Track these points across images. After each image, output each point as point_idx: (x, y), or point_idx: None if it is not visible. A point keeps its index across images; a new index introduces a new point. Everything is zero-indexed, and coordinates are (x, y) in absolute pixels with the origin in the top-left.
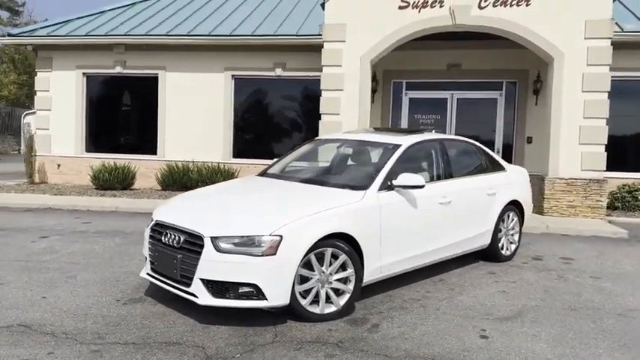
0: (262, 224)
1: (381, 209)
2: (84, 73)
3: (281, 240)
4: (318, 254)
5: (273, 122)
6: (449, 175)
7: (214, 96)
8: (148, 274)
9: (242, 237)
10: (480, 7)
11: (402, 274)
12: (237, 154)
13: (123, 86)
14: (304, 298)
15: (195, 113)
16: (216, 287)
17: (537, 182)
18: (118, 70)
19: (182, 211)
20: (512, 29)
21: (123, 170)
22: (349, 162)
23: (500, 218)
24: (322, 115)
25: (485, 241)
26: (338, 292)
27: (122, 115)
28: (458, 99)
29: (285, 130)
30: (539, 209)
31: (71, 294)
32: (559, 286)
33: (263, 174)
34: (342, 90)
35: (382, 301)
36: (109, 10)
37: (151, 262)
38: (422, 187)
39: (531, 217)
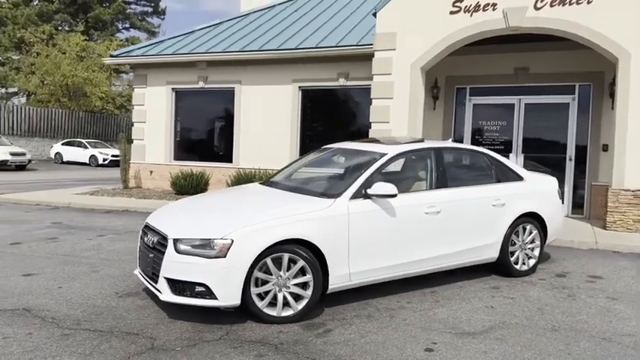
0: (216, 229)
1: (349, 217)
2: (172, 89)
3: (232, 244)
4: (276, 259)
5: (337, 130)
6: (442, 185)
7: (282, 107)
8: (138, 272)
9: (199, 240)
10: (536, 8)
11: (391, 284)
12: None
13: (205, 100)
14: (261, 300)
15: (266, 124)
16: (176, 285)
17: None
18: (200, 85)
19: (165, 215)
20: (572, 29)
21: (197, 177)
22: (338, 170)
23: (513, 231)
24: (372, 124)
25: (492, 254)
26: (296, 297)
27: (204, 127)
28: (526, 104)
29: (350, 138)
30: (602, 223)
31: (84, 286)
32: (559, 305)
33: (265, 182)
34: (391, 98)
35: (354, 309)
36: (198, 29)
37: (138, 261)
38: (394, 196)
39: (588, 231)
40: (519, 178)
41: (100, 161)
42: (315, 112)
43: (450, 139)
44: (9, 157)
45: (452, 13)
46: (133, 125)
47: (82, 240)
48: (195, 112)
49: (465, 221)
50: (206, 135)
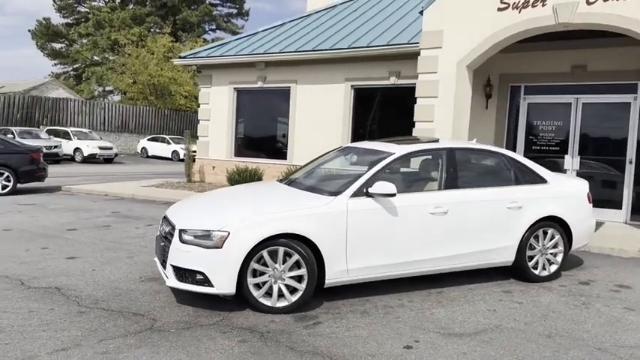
0: (215, 221)
1: (348, 215)
2: (234, 88)
3: (228, 236)
4: (272, 252)
5: (388, 129)
6: (451, 185)
7: (335, 105)
8: (156, 258)
9: (200, 230)
10: (589, 3)
11: (399, 282)
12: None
13: (263, 99)
14: (258, 290)
15: (319, 122)
16: (180, 272)
17: None
18: (259, 84)
19: (181, 206)
20: (628, 25)
21: (250, 172)
22: (350, 169)
23: (532, 235)
24: (416, 123)
25: (507, 257)
26: (292, 289)
27: (262, 125)
28: (583, 103)
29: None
30: None
31: (115, 270)
32: (567, 313)
33: (283, 179)
34: (435, 97)
35: (352, 304)
36: (262, 30)
37: (155, 248)
38: (393, 195)
39: (638, 239)
40: (542, 180)
41: (182, 156)
42: (367, 110)
43: (475, 140)
44: (97, 151)
45: (500, 9)
46: (199, 122)
47: (131, 228)
48: (254, 111)
49: (475, 223)
50: (264, 133)
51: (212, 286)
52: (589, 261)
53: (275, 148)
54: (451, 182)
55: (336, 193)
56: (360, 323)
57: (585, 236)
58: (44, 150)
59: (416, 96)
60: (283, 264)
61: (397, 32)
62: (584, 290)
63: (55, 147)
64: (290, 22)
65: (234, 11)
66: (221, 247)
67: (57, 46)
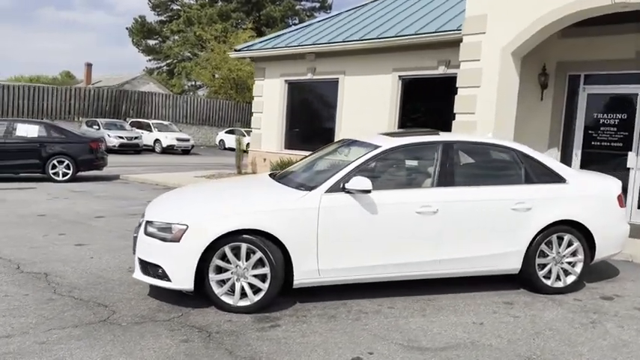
0: (177, 214)
1: (320, 211)
2: (286, 80)
3: (186, 229)
4: (234, 248)
5: (437, 120)
6: (445, 182)
7: (382, 97)
8: None
9: (163, 223)
10: None
11: (390, 285)
12: None
13: (313, 91)
14: (220, 287)
15: (366, 114)
16: (144, 265)
17: None
18: (309, 76)
19: (161, 199)
20: None
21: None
22: (337, 162)
23: (544, 240)
24: (456, 115)
25: (513, 264)
26: (255, 288)
27: (312, 117)
28: None
29: (449, 129)
30: None
31: (112, 258)
32: (567, 332)
33: (273, 173)
34: (478, 87)
35: (325, 307)
36: (316, 22)
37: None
38: (368, 191)
39: None
40: (559, 179)
41: None
42: (415, 101)
43: (490, 134)
44: (175, 143)
45: None
46: (252, 115)
47: None
48: (304, 103)
49: (471, 225)
50: (313, 125)
51: (170, 280)
52: (627, 272)
53: (323, 141)
54: (445, 179)
55: (310, 188)
56: (320, 329)
57: (614, 244)
58: (125, 141)
59: (457, 86)
60: (247, 261)
61: (447, 19)
62: (603, 307)
63: (136, 138)
64: (345, 12)
65: (317, 5)
66: (179, 241)
67: (151, 42)
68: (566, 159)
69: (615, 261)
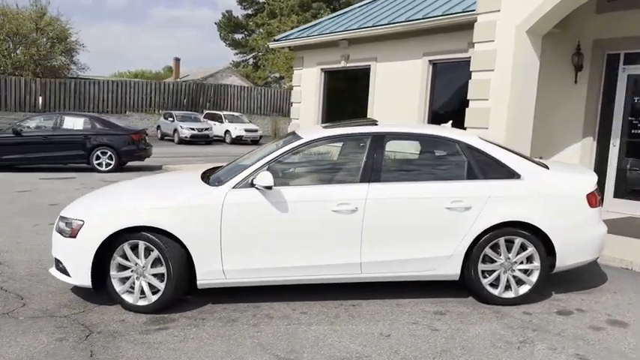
0: (77, 210)
1: (224, 208)
2: (322, 69)
3: (82, 225)
4: (133, 245)
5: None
6: (370, 178)
7: (412, 83)
8: None
9: (67, 219)
10: None
11: (320, 288)
12: None
13: (346, 79)
14: (122, 285)
15: (396, 101)
16: (56, 260)
17: None
18: (342, 64)
19: (86, 195)
20: None
21: None
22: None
23: (488, 243)
24: (470, 102)
25: (449, 270)
26: (153, 288)
27: (347, 105)
28: None
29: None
30: None
31: None
32: (480, 353)
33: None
34: (492, 70)
35: (234, 310)
36: (354, 8)
37: None
38: (269, 188)
39: None
40: (511, 175)
41: None
42: (446, 87)
43: (449, 123)
44: (244, 133)
45: None
46: (291, 105)
47: None
48: (339, 92)
49: (398, 225)
50: (346, 114)
51: (69, 275)
52: (615, 282)
53: None
54: (370, 174)
55: (219, 184)
56: (206, 334)
57: (584, 250)
58: (196, 132)
59: (470, 70)
60: (145, 259)
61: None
62: (550, 323)
63: (206, 129)
64: None
65: None
66: (75, 237)
67: (237, 36)
68: (602, 150)
69: (611, 268)
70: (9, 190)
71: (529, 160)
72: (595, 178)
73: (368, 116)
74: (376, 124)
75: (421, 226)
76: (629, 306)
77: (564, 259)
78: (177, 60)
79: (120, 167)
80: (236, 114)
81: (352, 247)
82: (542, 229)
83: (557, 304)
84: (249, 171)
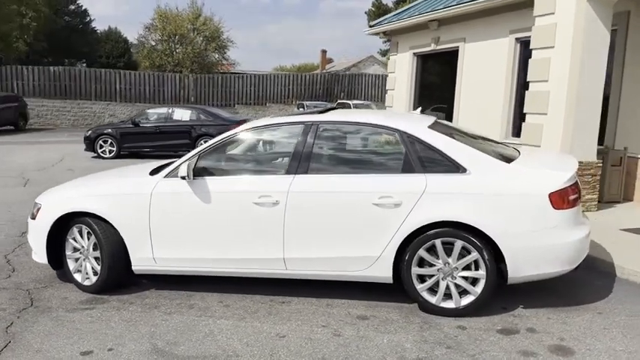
0: (42, 195)
1: (152, 197)
2: (414, 53)
3: (40, 208)
4: (79, 230)
5: None
6: (298, 170)
7: (498, 65)
8: None
9: (35, 203)
10: None
11: (273, 280)
12: (517, 133)
13: (437, 62)
14: (74, 264)
15: (482, 85)
16: None
17: None
18: (432, 47)
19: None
20: None
21: None
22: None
23: (422, 245)
24: (530, 84)
25: (380, 272)
26: (94, 270)
27: (437, 92)
28: None
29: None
30: None
31: None
32: None
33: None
34: (551, 47)
35: (167, 297)
36: None
37: None
38: (183, 178)
39: None
40: (456, 168)
41: None
42: None
43: (419, 110)
44: None
45: None
46: (386, 92)
47: None
48: (429, 77)
49: (322, 220)
50: (436, 101)
51: (36, 253)
52: (617, 301)
53: (443, 119)
54: (298, 166)
55: (156, 173)
56: (118, 317)
57: (546, 260)
58: None
59: (530, 47)
60: (87, 243)
61: None
62: (477, 342)
63: None
64: None
65: None
66: (34, 219)
67: None
68: None
69: (631, 284)
70: None
71: (495, 150)
72: (569, 173)
73: (455, 102)
74: (325, 112)
75: (346, 223)
76: (599, 331)
77: (518, 270)
78: (324, 52)
79: None
80: (365, 102)
81: (275, 242)
82: (486, 231)
83: (509, 320)
84: (181, 161)
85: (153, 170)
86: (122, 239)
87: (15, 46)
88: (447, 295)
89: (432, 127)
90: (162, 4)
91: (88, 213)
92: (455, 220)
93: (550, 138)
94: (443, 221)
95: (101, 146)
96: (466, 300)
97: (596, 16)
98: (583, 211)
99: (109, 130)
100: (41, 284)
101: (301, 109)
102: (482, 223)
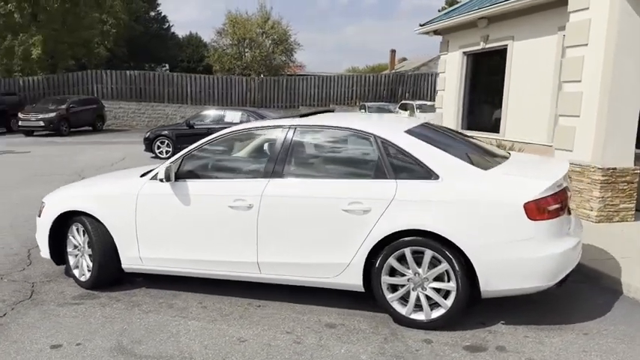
0: (48, 194)
1: (138, 198)
2: (463, 52)
3: (44, 206)
4: (77, 228)
5: None
6: (273, 174)
7: (545, 63)
8: None
9: (42, 202)
10: None
11: (250, 285)
12: None
13: (485, 62)
14: (73, 260)
15: (530, 86)
16: None
17: None
18: (481, 45)
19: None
20: None
21: None
22: None
23: (392, 253)
24: (563, 85)
25: (351, 279)
26: (89, 268)
27: (483, 93)
28: None
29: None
30: None
31: None
32: None
33: None
34: (585, 45)
35: (154, 296)
36: None
37: None
38: (161, 180)
39: None
40: (427, 174)
41: None
42: None
43: (407, 113)
44: None
45: None
46: (436, 93)
47: None
48: (478, 77)
49: (293, 225)
50: (484, 103)
51: (41, 250)
52: (611, 321)
53: (492, 120)
54: (272, 170)
55: (144, 176)
56: (100, 314)
57: (521, 274)
58: None
59: (564, 45)
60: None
61: None
62: (437, 358)
63: None
64: None
65: None
66: (40, 216)
67: None
68: None
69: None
70: None
71: (478, 156)
72: (548, 182)
73: (503, 103)
74: (307, 116)
75: (316, 228)
76: (575, 354)
77: (490, 283)
78: (393, 52)
79: None
80: (429, 103)
81: (249, 246)
82: (454, 241)
83: (482, 336)
84: (168, 163)
85: (144, 172)
86: (112, 238)
87: (96, 52)
88: (419, 307)
89: (410, 131)
90: (233, 10)
91: (83, 212)
92: (422, 228)
93: (582, 142)
94: (412, 229)
95: (158, 147)
96: (437, 313)
97: (632, 10)
98: (588, 219)
99: (166, 131)
100: (47, 278)
101: (363, 110)
102: (451, 232)
